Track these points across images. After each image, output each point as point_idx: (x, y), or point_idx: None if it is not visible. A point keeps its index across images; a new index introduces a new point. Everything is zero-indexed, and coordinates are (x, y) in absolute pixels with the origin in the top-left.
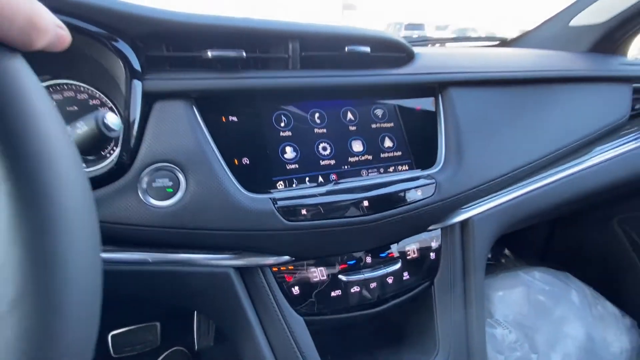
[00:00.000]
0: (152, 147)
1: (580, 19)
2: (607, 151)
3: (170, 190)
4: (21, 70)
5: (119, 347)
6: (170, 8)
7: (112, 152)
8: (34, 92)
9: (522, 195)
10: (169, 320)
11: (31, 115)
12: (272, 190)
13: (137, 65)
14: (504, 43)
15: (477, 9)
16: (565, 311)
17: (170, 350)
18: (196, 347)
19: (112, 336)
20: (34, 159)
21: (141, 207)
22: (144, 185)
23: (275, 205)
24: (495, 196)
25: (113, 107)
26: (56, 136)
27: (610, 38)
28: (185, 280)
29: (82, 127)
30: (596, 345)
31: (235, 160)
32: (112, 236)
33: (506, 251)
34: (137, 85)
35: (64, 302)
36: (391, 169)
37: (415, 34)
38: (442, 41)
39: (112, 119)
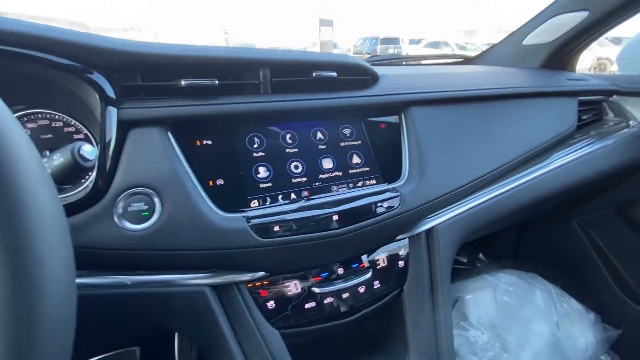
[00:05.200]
0: (127, 172)
1: (532, 39)
2: (558, 159)
3: (146, 213)
4: None
5: None
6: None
7: (87, 178)
8: (5, 122)
9: (482, 203)
10: (148, 345)
11: (2, 146)
12: (246, 209)
13: (111, 95)
14: (466, 60)
15: (448, 22)
16: (531, 311)
17: None
18: None
19: None
20: (5, 187)
21: (117, 232)
22: (120, 210)
23: (249, 224)
24: (457, 205)
25: (88, 134)
26: (28, 166)
27: (558, 55)
28: (162, 301)
29: (59, 159)
30: (562, 341)
31: (210, 182)
32: (89, 261)
33: (480, 255)
34: (112, 114)
35: (37, 329)
36: (360, 184)
37: (390, 47)
38: (410, 59)
39: (88, 149)
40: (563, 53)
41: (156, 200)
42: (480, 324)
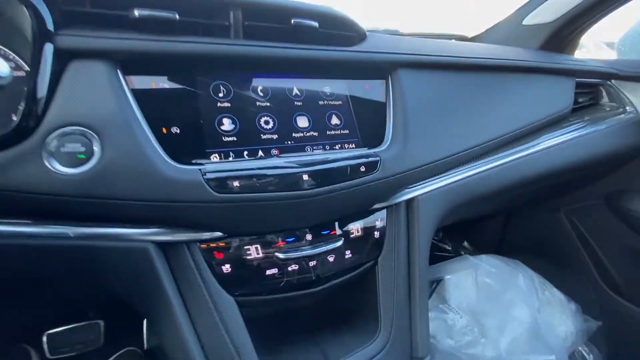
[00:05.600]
0: (62, 108)
1: (532, 18)
2: (549, 140)
3: (82, 156)
4: None
5: (55, 348)
6: None
7: (16, 111)
8: None
9: (467, 177)
10: (115, 319)
11: None
12: (204, 162)
13: (48, 18)
14: (462, 39)
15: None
16: (513, 295)
17: (121, 350)
18: (145, 346)
19: (48, 335)
20: None
21: (46, 174)
22: (52, 150)
23: (205, 177)
24: (440, 177)
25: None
26: None
27: (558, 36)
28: (97, 257)
29: None
30: (542, 328)
31: (164, 129)
32: (14, 206)
33: (465, 243)
34: (47, 39)
35: None
36: (337, 147)
37: None
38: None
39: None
40: (563, 34)
41: (95, 142)
42: (459, 308)
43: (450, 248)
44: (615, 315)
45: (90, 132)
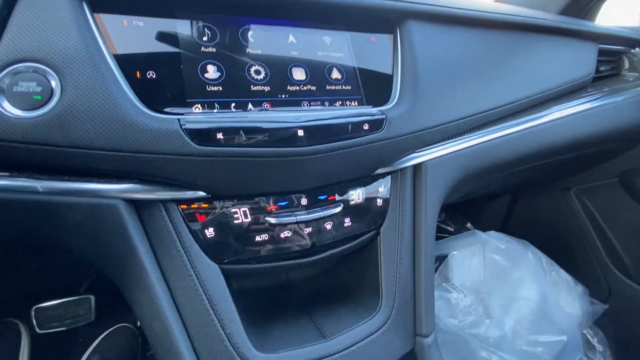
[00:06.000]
0: (14, 42)
1: None
2: (566, 109)
3: (39, 97)
4: None
5: (44, 322)
6: None
7: None
8: None
9: (479, 144)
10: (107, 294)
11: None
12: (184, 113)
13: None
14: None
15: None
16: (522, 272)
17: (115, 326)
18: (138, 322)
19: (36, 309)
20: None
21: None
22: (3, 88)
23: (183, 126)
24: (451, 142)
25: None
26: None
27: (579, 2)
28: (64, 215)
29: None
30: (549, 307)
31: (137, 73)
32: None
33: (468, 225)
34: None
35: None
36: (338, 103)
37: None
38: None
39: None
40: (584, 1)
41: (54, 81)
42: (463, 287)
43: (453, 230)
44: (623, 298)
45: (48, 69)
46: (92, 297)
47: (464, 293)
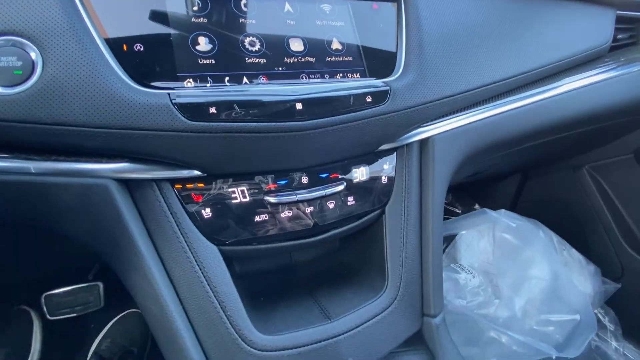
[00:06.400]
0: None
1: None
2: (580, 79)
3: (19, 72)
4: None
5: (54, 309)
6: None
7: None
8: None
9: (489, 117)
10: (116, 281)
11: None
12: (175, 87)
13: None
14: None
15: None
16: (533, 251)
17: (124, 312)
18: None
19: (46, 296)
20: None
21: None
22: None
23: (173, 101)
24: (459, 115)
25: None
26: None
27: None
28: (56, 196)
29: None
30: (561, 286)
31: (124, 46)
32: None
33: (476, 206)
34: None
35: None
36: (339, 76)
37: None
38: None
39: None
40: None
41: (34, 54)
42: (472, 268)
43: (460, 211)
44: (637, 276)
45: (27, 42)
46: (101, 284)
47: (472, 273)
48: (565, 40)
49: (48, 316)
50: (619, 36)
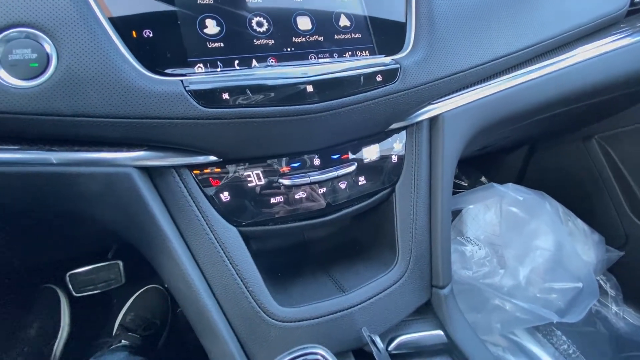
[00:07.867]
0: (2, 6)
1: None
2: (596, 47)
3: (35, 64)
4: None
5: (79, 287)
6: None
7: None
8: None
9: (500, 91)
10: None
11: None
12: (185, 73)
13: None
14: None
15: None
16: (538, 223)
17: (145, 287)
18: (166, 284)
19: (70, 276)
20: None
21: None
22: None
23: (187, 88)
24: (470, 90)
25: None
26: None
27: None
28: (81, 186)
29: None
30: (565, 255)
31: (133, 32)
32: None
33: (483, 179)
34: None
35: None
36: (348, 54)
37: None
38: None
39: None
40: None
41: (48, 46)
42: (478, 240)
43: (467, 184)
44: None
45: (40, 33)
46: (120, 262)
47: (478, 245)
48: (578, 7)
49: (74, 293)
50: (637, 0)
